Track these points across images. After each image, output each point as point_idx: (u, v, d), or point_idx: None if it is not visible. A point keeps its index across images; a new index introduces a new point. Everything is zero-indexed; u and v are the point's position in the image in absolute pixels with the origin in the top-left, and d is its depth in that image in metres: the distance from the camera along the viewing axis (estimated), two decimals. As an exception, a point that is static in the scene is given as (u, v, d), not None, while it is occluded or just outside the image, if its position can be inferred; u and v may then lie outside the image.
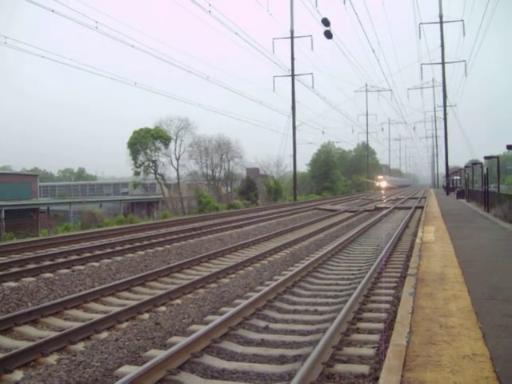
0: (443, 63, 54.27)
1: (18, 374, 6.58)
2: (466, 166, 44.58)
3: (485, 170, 29.86)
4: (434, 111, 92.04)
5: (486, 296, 7.39)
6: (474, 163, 38.38)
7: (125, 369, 6.47)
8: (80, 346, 7.72)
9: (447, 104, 57.61)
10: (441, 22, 52.98)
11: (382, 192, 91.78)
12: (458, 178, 58.89)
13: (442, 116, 58.86)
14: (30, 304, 10.40)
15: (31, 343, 7.57)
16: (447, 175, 62.36)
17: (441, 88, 57.58)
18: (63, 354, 7.45)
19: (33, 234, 33.76)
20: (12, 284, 11.53)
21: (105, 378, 6.29)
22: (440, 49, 53.63)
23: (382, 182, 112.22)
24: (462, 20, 52.89)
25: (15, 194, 62.60)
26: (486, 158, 29.59)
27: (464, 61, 57.21)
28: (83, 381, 6.23)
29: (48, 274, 12.66)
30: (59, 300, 10.22)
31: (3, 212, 46.66)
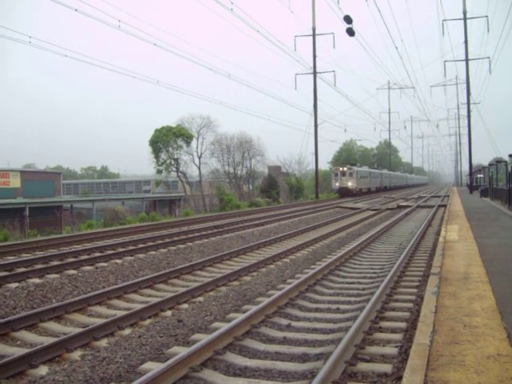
0: (467, 60, 53.59)
1: (43, 369, 6.68)
2: (489, 164, 43.97)
3: (509, 168, 29.47)
4: (458, 109, 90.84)
5: (511, 295, 7.31)
6: (498, 161, 37.91)
7: (148, 365, 6.52)
8: (103, 343, 7.80)
9: (471, 101, 56.92)
10: (464, 19, 52.31)
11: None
12: (482, 176, 58.17)
13: (466, 113, 58.21)
14: (54, 300, 10.53)
15: (56, 339, 7.65)
16: (471, 173, 61.62)
17: (464, 85, 56.98)
18: (87, 349, 7.54)
19: (56, 232, 34.12)
20: (36, 280, 11.69)
21: (128, 375, 6.35)
22: (463, 45, 53.02)
23: (349, 182, 64.00)
24: (487, 16, 52.19)
25: (39, 191, 63.36)
26: (510, 155, 29.19)
27: (488, 57, 56.44)
28: (107, 377, 6.29)
29: (72, 271, 12.81)
30: (83, 296, 10.31)
31: (27, 209, 47.22)
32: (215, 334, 6.95)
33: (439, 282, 8.42)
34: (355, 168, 66.20)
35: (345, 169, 65.37)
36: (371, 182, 75.57)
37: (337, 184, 64.64)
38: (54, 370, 6.60)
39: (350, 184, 63.69)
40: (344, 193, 62.74)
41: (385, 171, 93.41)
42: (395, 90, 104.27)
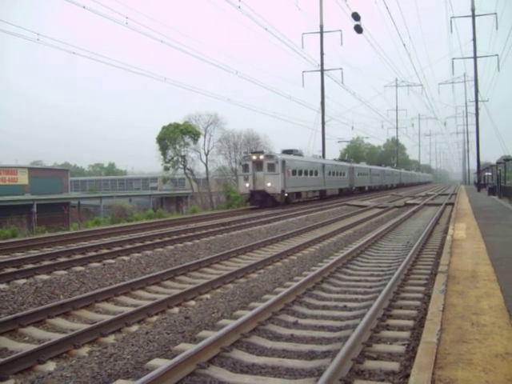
0: (475, 57, 53.41)
1: (51, 365, 6.71)
2: (497, 162, 43.79)
3: (517, 166, 29.36)
4: (466, 106, 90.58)
5: (519, 294, 7.28)
6: (507, 159, 37.77)
7: (155, 362, 6.54)
8: (111, 339, 7.82)
9: (479, 99, 56.76)
10: (473, 16, 52.12)
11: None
12: (490, 174, 57.93)
13: (474, 111, 58.05)
14: (61, 297, 10.57)
15: (63, 335, 7.70)
16: (478, 171, 61.41)
17: (472, 83, 56.81)
18: (94, 346, 7.56)
19: (64, 228, 34.28)
20: (44, 277, 11.73)
21: (135, 371, 6.36)
22: (472, 43, 52.83)
23: (269, 181, 36.56)
24: (495, 13, 51.98)
25: (47, 188, 63.57)
26: (518, 153, 29.08)
27: (497, 55, 56.32)
28: (114, 373, 6.31)
29: (79, 268, 12.84)
30: (90, 293, 10.35)
31: (35, 206, 47.43)
32: (222, 331, 6.96)
33: (447, 280, 8.40)
34: (280, 156, 37.80)
35: (261, 157, 37.18)
36: (327, 180, 49.04)
37: (247, 185, 36.97)
38: (61, 365, 6.63)
39: (269, 184, 36.23)
40: (260, 200, 36.81)
41: (361, 165, 70.30)
42: (403, 88, 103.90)
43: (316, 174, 45.85)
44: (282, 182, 36.56)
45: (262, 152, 38.92)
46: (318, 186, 46.87)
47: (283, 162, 37.25)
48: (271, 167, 36.57)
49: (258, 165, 36.91)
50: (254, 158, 37.17)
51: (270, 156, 37.34)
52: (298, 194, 41.79)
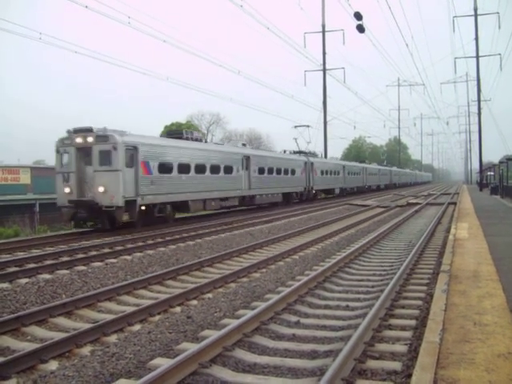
0: (477, 57, 53.38)
1: (53, 364, 6.71)
2: (500, 162, 43.66)
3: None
4: (468, 106, 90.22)
5: (522, 294, 7.27)
6: (509, 158, 37.65)
7: (157, 361, 6.54)
8: (113, 338, 7.82)
9: (481, 98, 56.70)
10: (475, 15, 52.09)
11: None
12: (492, 173, 57.81)
13: (476, 111, 58.00)
14: (64, 296, 10.58)
15: (66, 334, 7.70)
16: (481, 171, 61.31)
17: (475, 82, 56.78)
18: (97, 345, 7.56)
19: (66, 228, 34.27)
20: (47, 276, 11.75)
21: (138, 370, 6.37)
22: (474, 42, 52.79)
23: (100, 184, 19.74)
24: (498, 12, 51.90)
25: (49, 187, 63.51)
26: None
27: (499, 54, 56.38)
28: (116, 372, 6.31)
29: (81, 267, 12.86)
30: (92, 292, 10.37)
31: (37, 205, 47.45)
32: (224, 330, 6.96)
33: (449, 279, 8.40)
34: (121, 138, 20.30)
35: (89, 139, 20.35)
36: (255, 181, 32.53)
37: (67, 190, 20.74)
38: (64, 365, 6.63)
39: (101, 190, 19.79)
40: (87, 217, 20.96)
41: (327, 160, 53.17)
42: (405, 87, 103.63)
43: (229, 171, 29.57)
44: (125, 184, 20.21)
45: (90, 129, 20.68)
46: (233, 189, 30.02)
47: (134, 148, 20.95)
48: (106, 157, 20.28)
49: (86, 154, 20.73)
50: (79, 140, 20.66)
51: (103, 137, 20.38)
52: (182, 205, 24.97)
